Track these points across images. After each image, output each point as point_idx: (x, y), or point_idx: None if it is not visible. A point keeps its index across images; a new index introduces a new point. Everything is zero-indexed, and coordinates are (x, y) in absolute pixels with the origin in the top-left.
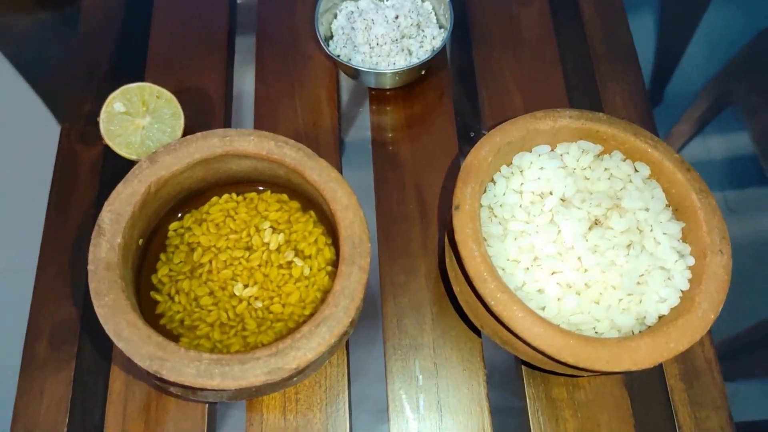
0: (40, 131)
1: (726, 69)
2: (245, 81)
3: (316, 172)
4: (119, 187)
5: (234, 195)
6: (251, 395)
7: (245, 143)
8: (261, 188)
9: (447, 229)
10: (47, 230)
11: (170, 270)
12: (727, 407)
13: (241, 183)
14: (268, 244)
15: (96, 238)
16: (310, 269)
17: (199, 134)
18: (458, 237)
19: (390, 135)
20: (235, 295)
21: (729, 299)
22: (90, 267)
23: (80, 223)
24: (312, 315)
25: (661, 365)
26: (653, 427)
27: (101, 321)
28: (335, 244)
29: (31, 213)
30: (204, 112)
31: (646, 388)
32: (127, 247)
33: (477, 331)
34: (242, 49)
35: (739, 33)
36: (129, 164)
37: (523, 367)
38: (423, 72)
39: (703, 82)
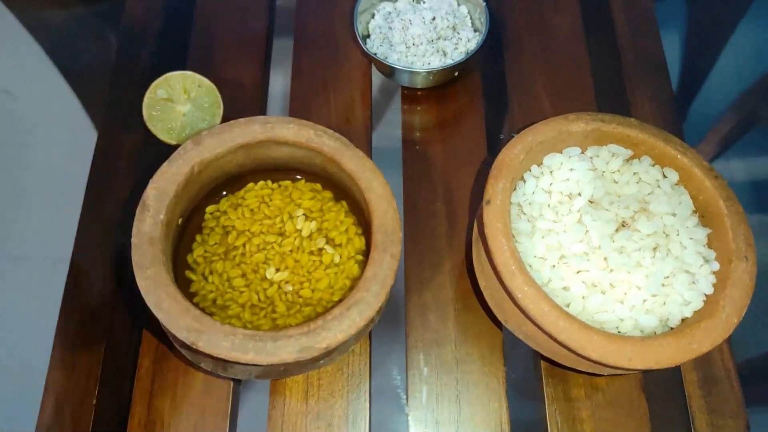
0: (81, 121)
1: (753, 89)
2: (281, 78)
3: (353, 161)
4: (164, 166)
5: (269, 182)
6: (279, 374)
7: (285, 131)
8: (297, 177)
9: (477, 222)
10: (85, 212)
11: (205, 251)
12: (745, 416)
13: (277, 170)
14: (301, 230)
15: (141, 213)
16: (340, 257)
17: (241, 120)
18: (488, 231)
19: (420, 134)
20: (266, 278)
21: (748, 322)
22: (134, 240)
23: (117, 206)
24: (340, 301)
25: (680, 372)
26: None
27: (142, 292)
28: (365, 234)
29: (71, 200)
30: (241, 105)
31: (663, 394)
32: (169, 224)
33: (499, 329)
34: (279, 49)
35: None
36: (167, 150)
37: (543, 365)
38: (456, 74)
39: (730, 102)
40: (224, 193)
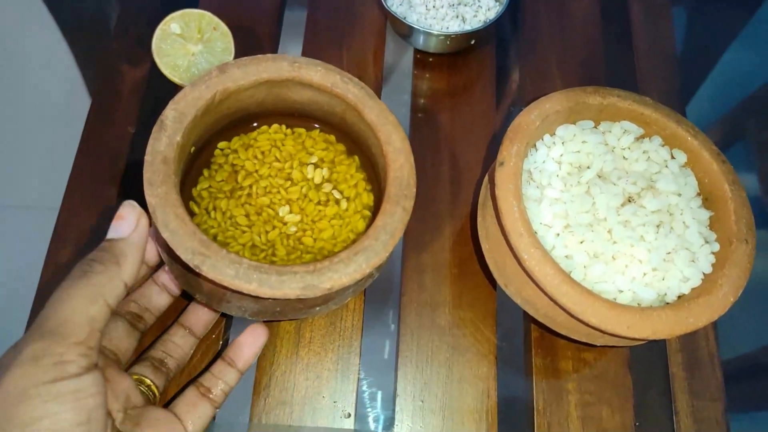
0: (88, 53)
1: (740, 106)
2: (294, 32)
3: (375, 112)
4: (186, 89)
5: (284, 127)
6: (273, 315)
7: (312, 72)
8: (313, 125)
9: (489, 182)
10: (83, 144)
11: (210, 186)
12: (724, 400)
13: (293, 116)
14: (311, 179)
15: (157, 132)
16: (347, 210)
17: (269, 55)
18: (499, 192)
19: (430, 101)
20: (275, 217)
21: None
22: (147, 158)
23: (116, 142)
24: (346, 249)
25: (665, 352)
26: (651, 408)
27: (150, 210)
28: (375, 192)
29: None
30: (252, 54)
31: (648, 372)
32: (183, 148)
33: (493, 297)
34: (294, 3)
35: (756, 74)
36: (172, 90)
37: (533, 337)
38: (472, 41)
39: (716, 117)
40: (236, 132)
